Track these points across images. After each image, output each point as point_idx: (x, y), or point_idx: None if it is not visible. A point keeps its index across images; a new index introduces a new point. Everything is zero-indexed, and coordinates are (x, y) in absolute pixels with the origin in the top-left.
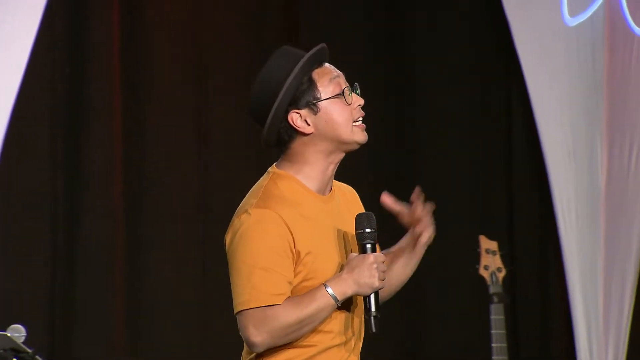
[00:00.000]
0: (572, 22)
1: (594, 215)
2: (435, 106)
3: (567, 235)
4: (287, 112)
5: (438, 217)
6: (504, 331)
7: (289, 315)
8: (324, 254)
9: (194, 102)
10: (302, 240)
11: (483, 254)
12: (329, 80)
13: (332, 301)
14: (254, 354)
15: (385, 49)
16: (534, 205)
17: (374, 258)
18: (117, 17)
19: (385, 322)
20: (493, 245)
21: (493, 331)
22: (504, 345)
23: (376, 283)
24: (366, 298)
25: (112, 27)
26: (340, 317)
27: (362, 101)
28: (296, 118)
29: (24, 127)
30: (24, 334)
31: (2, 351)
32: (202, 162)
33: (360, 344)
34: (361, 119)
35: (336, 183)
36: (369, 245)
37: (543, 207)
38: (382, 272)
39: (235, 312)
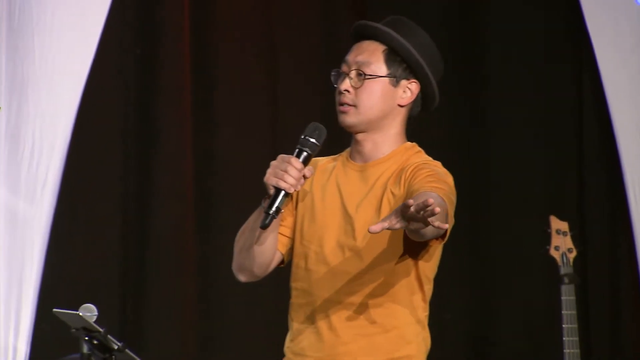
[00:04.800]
0: None
1: None
2: (506, 86)
3: (638, 214)
4: None
5: (509, 198)
6: (574, 312)
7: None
8: (313, 209)
9: (265, 82)
10: (300, 191)
11: (554, 234)
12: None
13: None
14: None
15: (457, 27)
16: (604, 184)
17: (278, 157)
18: None
19: (453, 304)
20: (564, 225)
21: (564, 312)
22: (575, 326)
23: (269, 179)
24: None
25: (182, 8)
26: (305, 275)
27: (341, 87)
28: None
29: (94, 108)
30: (95, 313)
31: (74, 330)
32: (273, 143)
33: (351, 313)
34: (343, 104)
35: (406, 156)
36: (304, 154)
37: (614, 187)
38: (279, 171)
39: None
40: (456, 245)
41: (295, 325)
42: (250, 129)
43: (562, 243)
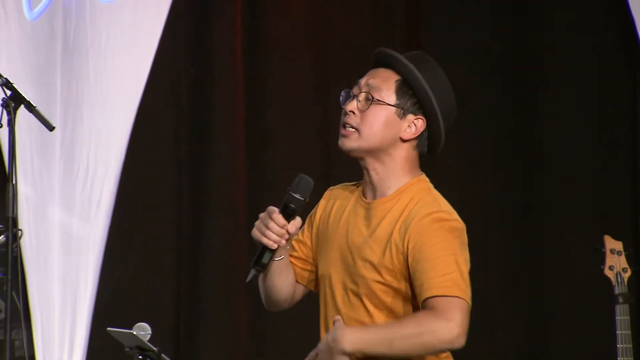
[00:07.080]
0: None
1: None
2: (560, 105)
3: None
4: None
5: (562, 217)
6: (629, 332)
7: None
8: (327, 243)
9: (316, 100)
10: (319, 220)
11: (608, 254)
12: None
13: None
14: None
15: (509, 49)
16: None
17: (266, 210)
18: (240, 17)
19: (504, 322)
20: (618, 245)
21: (618, 332)
22: (630, 346)
23: (254, 234)
24: None
25: (235, 27)
26: (325, 314)
27: (347, 107)
28: None
29: (148, 128)
30: (149, 332)
31: (127, 349)
32: (324, 161)
33: None
34: (346, 126)
35: (419, 201)
36: (289, 210)
37: None
38: (262, 226)
39: None
40: (507, 264)
41: None
42: (302, 146)
43: (616, 262)
